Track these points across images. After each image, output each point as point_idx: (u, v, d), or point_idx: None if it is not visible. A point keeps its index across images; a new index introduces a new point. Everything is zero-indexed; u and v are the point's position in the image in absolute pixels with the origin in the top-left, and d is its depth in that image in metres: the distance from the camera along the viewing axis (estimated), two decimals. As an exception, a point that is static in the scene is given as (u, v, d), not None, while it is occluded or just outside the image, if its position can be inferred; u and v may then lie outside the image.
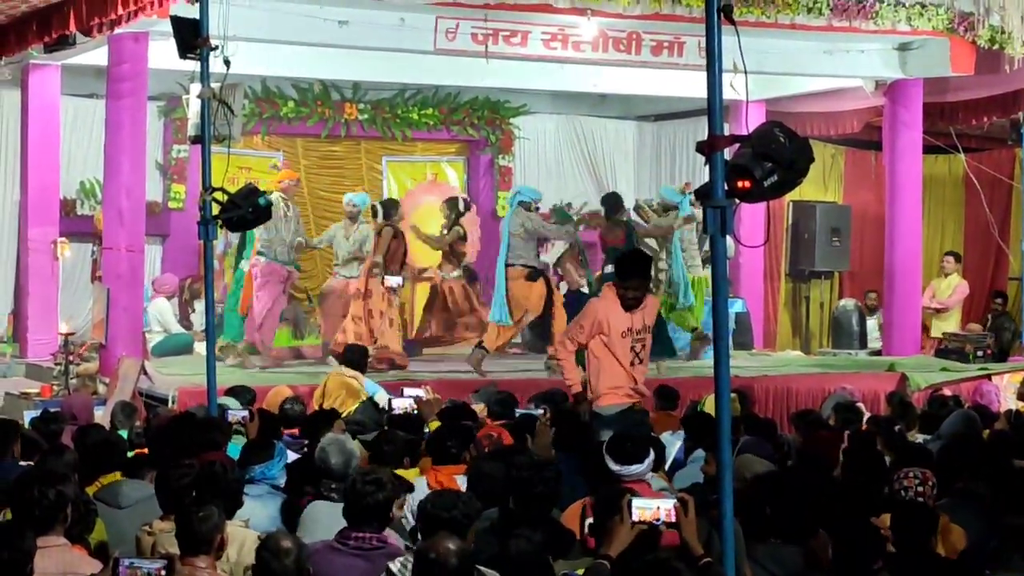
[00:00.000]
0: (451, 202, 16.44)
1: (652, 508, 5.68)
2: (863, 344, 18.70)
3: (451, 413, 9.95)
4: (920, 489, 7.16)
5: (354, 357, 12.45)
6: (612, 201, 16.40)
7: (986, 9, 15.82)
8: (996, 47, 15.92)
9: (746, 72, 5.76)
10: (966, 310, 18.91)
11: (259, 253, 14.93)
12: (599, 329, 9.92)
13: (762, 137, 5.50)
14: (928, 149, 17.99)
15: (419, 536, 6.34)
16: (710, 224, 5.47)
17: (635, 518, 5.66)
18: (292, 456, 8.95)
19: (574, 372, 10.15)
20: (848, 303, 19.27)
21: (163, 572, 5.25)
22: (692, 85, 17.09)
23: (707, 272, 15.56)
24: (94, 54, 14.76)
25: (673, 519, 5.65)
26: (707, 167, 5.63)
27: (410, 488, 7.43)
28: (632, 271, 9.97)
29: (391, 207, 15.45)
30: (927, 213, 18.36)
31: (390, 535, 6.59)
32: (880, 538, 6.31)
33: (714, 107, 5.52)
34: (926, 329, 18.01)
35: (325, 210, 19.16)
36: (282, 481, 8.02)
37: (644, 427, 9.70)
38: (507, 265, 14.86)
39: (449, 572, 5.32)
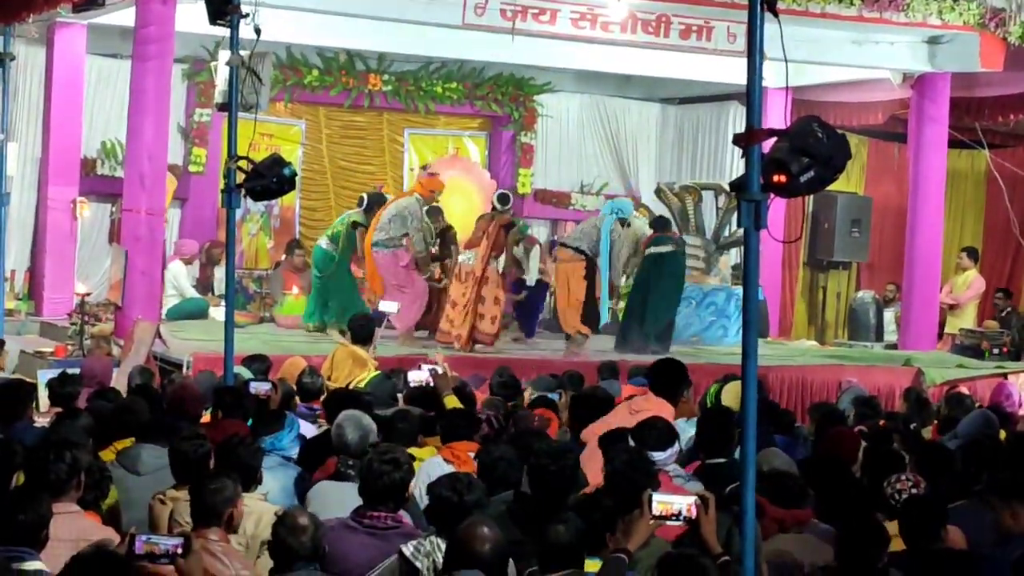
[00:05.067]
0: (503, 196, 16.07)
1: (673, 504, 5.63)
2: (879, 337, 18.65)
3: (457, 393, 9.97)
4: (914, 492, 7.12)
5: (360, 330, 12.31)
6: (662, 221, 16.19)
7: (1018, 6, 15.79)
8: (1026, 44, 15.87)
9: (787, 62, 5.69)
10: (981, 307, 18.83)
11: (379, 244, 14.78)
12: None
13: (800, 132, 5.43)
14: (952, 143, 17.91)
15: (428, 517, 6.30)
16: (744, 217, 5.40)
17: (656, 513, 5.60)
18: (306, 426, 8.95)
19: None
20: (866, 295, 19.21)
21: (180, 550, 5.19)
22: (718, 69, 17.10)
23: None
24: (120, 14, 14.73)
25: (693, 515, 5.60)
26: (742, 158, 5.57)
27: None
28: None
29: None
30: (947, 208, 18.29)
31: (404, 515, 6.55)
32: (886, 535, 6.27)
33: (753, 99, 5.45)
34: (941, 326, 17.95)
35: (345, 180, 19.17)
36: (293, 452, 8.00)
37: None
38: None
39: (484, 558, 5.28)
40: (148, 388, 9.74)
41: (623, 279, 15.79)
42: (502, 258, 15.26)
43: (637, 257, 15.57)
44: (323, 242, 15.63)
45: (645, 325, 15.34)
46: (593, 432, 8.94)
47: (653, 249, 15.43)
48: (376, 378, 10.86)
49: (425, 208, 15.14)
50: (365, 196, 15.91)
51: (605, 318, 15.72)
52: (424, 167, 16.55)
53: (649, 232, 15.77)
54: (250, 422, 8.21)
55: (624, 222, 15.36)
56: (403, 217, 14.77)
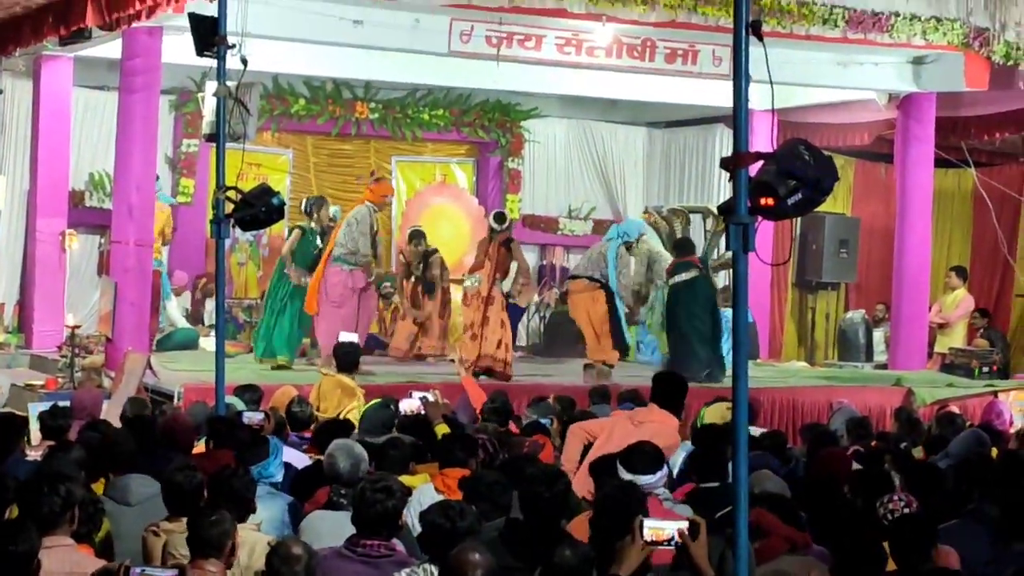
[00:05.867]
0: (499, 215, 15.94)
1: (664, 529, 5.62)
2: (869, 357, 18.67)
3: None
4: (906, 511, 7.13)
5: (345, 358, 12.25)
6: (682, 244, 15.70)
7: (1002, 25, 15.80)
8: (1011, 63, 15.91)
9: (772, 84, 5.72)
10: (971, 325, 18.85)
11: (339, 260, 14.59)
12: None
13: (787, 154, 5.45)
14: (938, 163, 17.96)
15: (420, 544, 6.30)
16: (732, 241, 5.42)
17: (647, 539, 5.60)
18: (294, 454, 8.95)
19: None
20: (855, 315, 19.23)
21: None
22: (704, 93, 17.15)
23: None
24: (107, 46, 14.75)
25: (688, 541, 5.59)
26: (730, 181, 5.59)
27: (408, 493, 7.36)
28: None
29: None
30: (935, 227, 18.33)
31: (398, 543, 6.55)
32: (883, 555, 6.28)
33: (739, 123, 5.47)
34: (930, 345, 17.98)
35: (333, 208, 19.18)
36: (279, 477, 8.01)
37: None
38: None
39: None
40: (141, 419, 9.69)
41: (634, 299, 15.61)
42: (508, 280, 15.27)
43: (652, 273, 15.44)
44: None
45: (690, 356, 14.83)
46: (588, 431, 8.98)
47: (677, 278, 15.22)
48: (374, 406, 10.81)
49: (376, 214, 14.99)
50: (305, 199, 15.83)
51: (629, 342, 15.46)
52: (371, 173, 16.62)
53: (661, 249, 15.67)
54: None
55: (629, 246, 15.21)
56: (351, 226, 14.65)
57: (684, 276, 15.01)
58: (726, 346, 15.49)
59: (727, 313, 16.41)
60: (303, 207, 15.42)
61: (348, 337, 13.22)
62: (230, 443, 8.20)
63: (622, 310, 15.09)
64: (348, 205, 19.00)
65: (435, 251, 16.17)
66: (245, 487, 6.83)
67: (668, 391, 9.16)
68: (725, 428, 8.88)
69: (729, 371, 14.09)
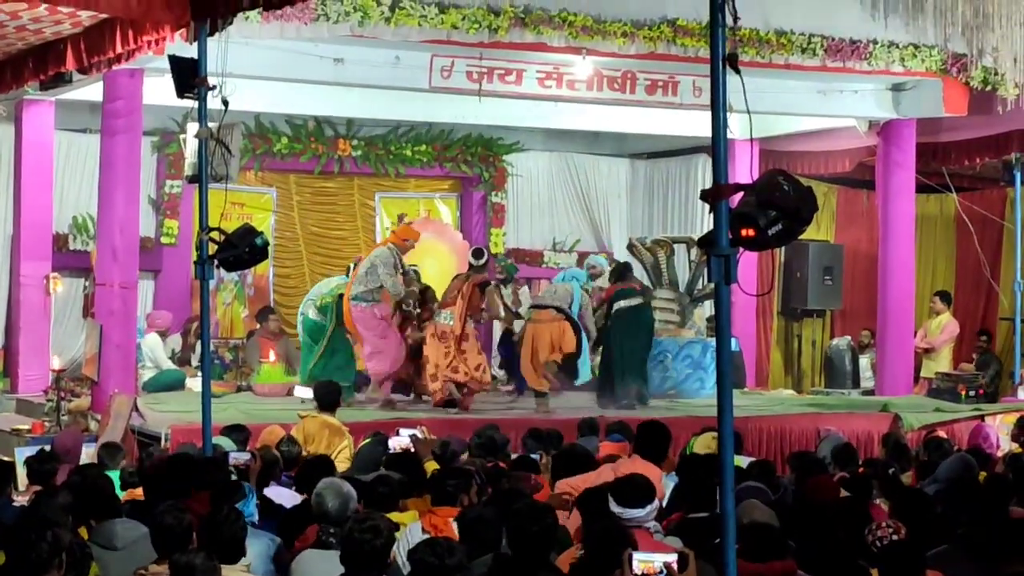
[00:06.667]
0: (477, 251, 16.02)
1: (653, 562, 5.63)
2: (856, 383, 18.69)
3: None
4: (894, 538, 7.15)
5: (326, 397, 12.18)
6: (623, 270, 16.22)
7: (979, 51, 15.90)
8: (989, 88, 16.03)
9: (750, 114, 5.75)
10: (956, 350, 18.91)
11: (358, 298, 14.70)
12: None
13: (766, 186, 5.49)
14: (920, 188, 18.02)
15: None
16: (714, 272, 5.45)
17: (636, 572, 5.60)
18: (285, 493, 8.93)
19: None
20: (841, 342, 19.26)
21: None
22: (685, 124, 17.23)
23: None
24: (88, 89, 14.73)
25: (675, 572, 5.59)
26: (710, 213, 5.62)
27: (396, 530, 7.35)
28: None
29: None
30: (918, 252, 18.38)
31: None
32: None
33: (719, 155, 5.51)
34: (916, 370, 18.01)
35: (318, 246, 19.19)
36: (256, 516, 7.99)
37: None
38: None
39: None
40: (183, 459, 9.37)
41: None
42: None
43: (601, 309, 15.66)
44: (311, 312, 15.49)
45: (624, 381, 15.29)
46: (573, 487, 8.97)
47: (622, 303, 15.41)
48: (371, 443, 10.78)
49: (398, 256, 15.04)
50: (352, 266, 15.82)
51: (587, 376, 15.70)
52: (400, 218, 16.68)
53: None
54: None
55: (586, 289, 15.46)
56: (375, 267, 14.75)
57: (628, 302, 15.22)
58: (711, 377, 15.61)
59: (712, 343, 16.50)
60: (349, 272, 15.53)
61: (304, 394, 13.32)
62: (204, 486, 8.17)
63: (585, 344, 15.22)
64: (332, 243, 19.10)
65: (428, 287, 16.14)
66: (238, 530, 6.81)
67: (651, 440, 9.17)
68: (713, 457, 8.87)
69: (710, 401, 14.28)
